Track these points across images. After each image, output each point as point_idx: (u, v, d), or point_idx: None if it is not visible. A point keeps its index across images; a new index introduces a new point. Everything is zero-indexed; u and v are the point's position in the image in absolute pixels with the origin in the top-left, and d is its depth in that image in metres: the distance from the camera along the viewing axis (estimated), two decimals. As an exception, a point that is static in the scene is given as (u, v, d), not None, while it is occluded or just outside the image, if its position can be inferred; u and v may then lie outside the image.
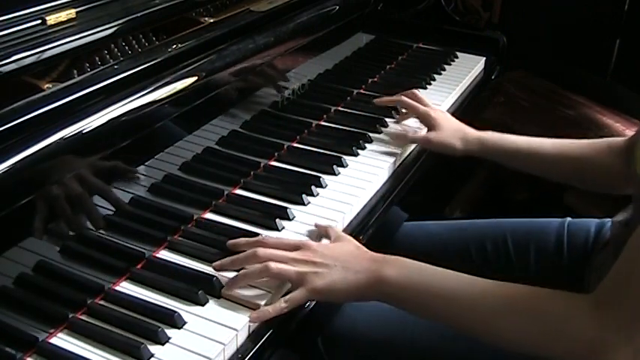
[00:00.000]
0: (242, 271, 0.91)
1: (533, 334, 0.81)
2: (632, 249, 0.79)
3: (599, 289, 0.80)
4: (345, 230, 1.08)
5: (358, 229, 1.10)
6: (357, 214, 1.13)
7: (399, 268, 0.90)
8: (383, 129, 1.36)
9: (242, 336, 0.86)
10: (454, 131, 1.27)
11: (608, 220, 1.16)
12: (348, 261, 0.91)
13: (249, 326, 0.87)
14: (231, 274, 0.92)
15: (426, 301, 0.88)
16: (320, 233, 1.02)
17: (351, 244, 0.97)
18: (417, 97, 1.35)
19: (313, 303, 0.94)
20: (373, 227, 1.12)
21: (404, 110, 1.38)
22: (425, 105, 1.33)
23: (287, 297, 0.88)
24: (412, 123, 1.38)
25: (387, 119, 1.39)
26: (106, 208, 0.92)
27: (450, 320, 0.88)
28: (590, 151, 1.16)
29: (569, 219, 1.22)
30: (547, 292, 0.83)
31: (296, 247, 0.93)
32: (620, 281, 0.78)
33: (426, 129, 1.31)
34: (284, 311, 0.88)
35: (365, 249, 0.95)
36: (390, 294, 0.89)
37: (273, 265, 0.89)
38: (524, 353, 0.83)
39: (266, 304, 0.89)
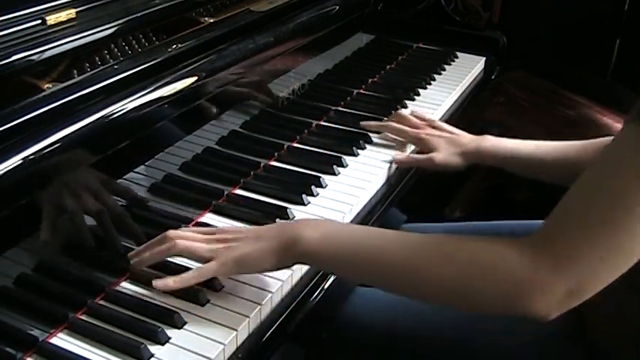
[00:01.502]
0: (149, 247, 0.90)
1: (467, 278, 0.78)
2: (571, 192, 0.77)
3: (536, 232, 0.78)
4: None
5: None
6: (357, 215, 1.13)
7: (316, 224, 0.89)
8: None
9: (242, 336, 0.86)
10: (450, 148, 1.24)
11: None
12: (261, 231, 0.90)
13: (249, 325, 0.87)
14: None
15: (349, 257, 0.86)
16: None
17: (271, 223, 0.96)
18: (404, 120, 1.32)
19: (318, 298, 0.94)
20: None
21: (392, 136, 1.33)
22: (413, 126, 1.30)
23: (196, 268, 0.88)
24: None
25: (387, 119, 1.39)
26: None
27: (376, 276, 0.86)
28: (588, 153, 1.15)
29: None
30: (478, 237, 0.81)
31: (210, 232, 0.92)
32: (557, 220, 0.77)
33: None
34: (190, 282, 0.87)
35: (281, 222, 0.95)
36: (309, 253, 0.86)
37: (180, 241, 0.88)
38: (453, 305, 0.83)
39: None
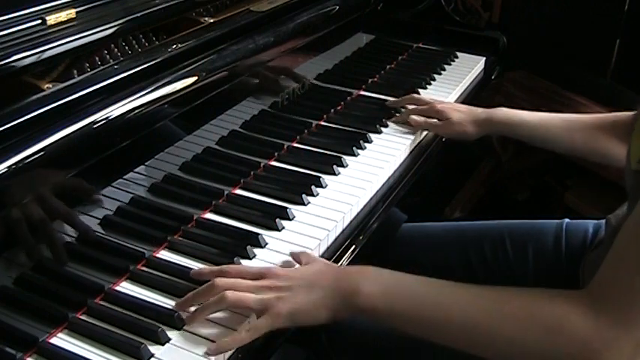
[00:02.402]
0: (196, 297, 0.86)
1: (529, 338, 0.77)
2: (622, 240, 0.77)
3: (593, 284, 0.77)
4: (344, 230, 1.09)
5: (358, 229, 1.10)
6: (357, 215, 1.13)
7: (375, 278, 0.85)
8: (383, 129, 1.36)
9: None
10: (464, 117, 1.32)
11: (602, 222, 1.16)
12: (313, 280, 0.85)
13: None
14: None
15: (410, 313, 0.83)
16: (294, 258, 0.96)
17: (320, 262, 0.91)
18: (419, 101, 1.40)
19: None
20: (372, 228, 1.12)
21: (406, 107, 1.41)
22: (426, 103, 1.39)
23: (249, 325, 0.83)
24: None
25: (387, 119, 1.39)
26: (105, 209, 0.92)
27: (436, 332, 0.83)
28: (596, 125, 1.20)
29: (567, 220, 1.22)
30: (540, 293, 0.80)
31: (259, 274, 0.87)
32: (611, 274, 0.76)
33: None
34: (245, 342, 0.82)
35: (335, 265, 0.89)
36: (368, 307, 0.83)
37: (230, 293, 0.83)
38: None
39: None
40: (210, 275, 0.89)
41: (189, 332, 0.84)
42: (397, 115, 1.40)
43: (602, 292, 0.76)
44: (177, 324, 0.85)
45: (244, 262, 0.96)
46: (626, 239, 0.76)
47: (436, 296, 0.84)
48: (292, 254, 0.96)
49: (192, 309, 0.87)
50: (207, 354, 0.81)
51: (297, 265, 0.94)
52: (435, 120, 1.35)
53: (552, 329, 0.77)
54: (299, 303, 0.83)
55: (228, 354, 0.83)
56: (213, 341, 0.83)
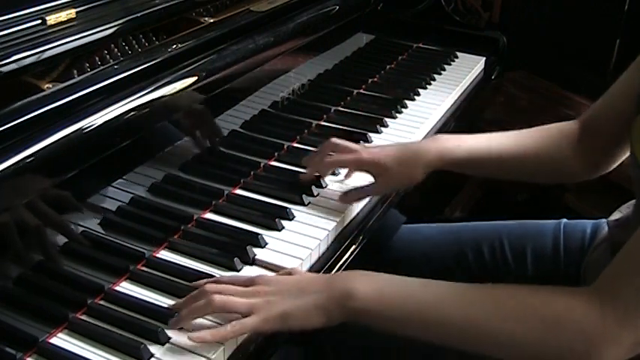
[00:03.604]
0: (186, 304, 0.85)
1: (531, 333, 0.78)
2: (635, 242, 0.77)
3: (599, 282, 0.78)
4: (344, 231, 1.09)
5: (357, 230, 1.10)
6: (357, 215, 1.13)
7: (369, 281, 0.84)
8: (383, 129, 1.36)
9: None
10: (407, 164, 1.09)
11: (603, 221, 1.16)
12: (304, 285, 0.84)
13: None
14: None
15: (407, 316, 0.82)
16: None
17: (310, 274, 0.90)
18: (339, 147, 1.12)
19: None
20: (371, 229, 1.12)
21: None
22: (351, 151, 1.11)
23: (235, 321, 0.81)
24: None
25: (387, 119, 1.39)
26: (105, 209, 0.92)
27: (435, 333, 0.82)
28: (545, 141, 1.11)
29: (564, 220, 1.22)
30: (541, 289, 0.81)
31: (249, 281, 0.86)
32: (621, 273, 0.77)
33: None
34: (228, 337, 0.81)
35: (326, 275, 0.88)
36: (361, 310, 0.82)
37: (217, 297, 0.82)
38: (517, 358, 0.80)
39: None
40: (202, 285, 0.88)
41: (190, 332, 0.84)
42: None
43: (610, 289, 0.76)
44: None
45: (244, 263, 0.96)
46: (638, 239, 0.77)
47: (433, 297, 0.83)
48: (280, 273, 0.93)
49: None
50: (191, 338, 0.80)
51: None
52: (368, 180, 1.12)
53: (555, 323, 0.77)
54: (289, 307, 0.82)
55: (228, 353, 0.83)
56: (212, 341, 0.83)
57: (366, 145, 1.27)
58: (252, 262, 0.97)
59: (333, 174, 1.19)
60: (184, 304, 0.86)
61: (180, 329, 0.84)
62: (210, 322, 0.85)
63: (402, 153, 1.10)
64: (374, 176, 1.11)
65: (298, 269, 0.94)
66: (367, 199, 1.14)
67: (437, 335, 0.83)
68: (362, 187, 1.12)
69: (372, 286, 0.83)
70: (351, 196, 1.11)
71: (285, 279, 0.87)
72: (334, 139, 1.13)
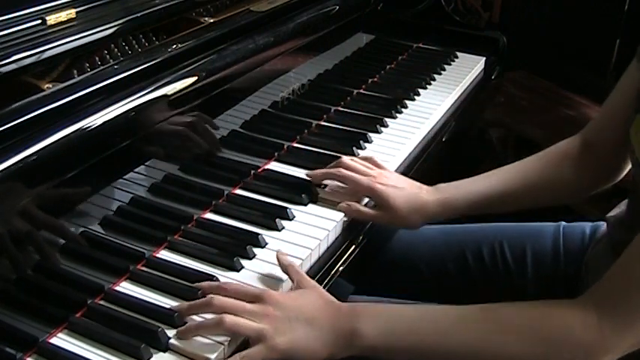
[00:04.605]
0: (196, 323, 0.84)
1: (533, 353, 0.80)
2: (631, 253, 0.79)
3: (596, 292, 0.80)
4: (344, 231, 1.09)
5: (357, 230, 1.10)
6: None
7: (372, 317, 0.85)
8: (383, 129, 1.36)
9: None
10: (411, 207, 1.09)
11: (602, 223, 1.16)
12: (311, 315, 0.84)
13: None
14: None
15: (411, 349, 0.84)
16: (281, 267, 0.94)
17: (315, 293, 0.89)
18: (354, 168, 1.12)
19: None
20: (371, 230, 1.12)
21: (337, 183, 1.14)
22: (366, 175, 1.11)
23: (244, 352, 0.81)
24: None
25: (387, 119, 1.39)
26: (105, 209, 0.92)
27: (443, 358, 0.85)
28: (548, 169, 1.12)
29: (563, 223, 1.23)
30: (540, 307, 0.82)
31: (256, 296, 0.85)
32: (618, 281, 0.78)
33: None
34: None
35: (330, 298, 0.88)
36: (368, 348, 0.84)
37: (227, 318, 0.81)
38: None
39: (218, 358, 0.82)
40: (208, 290, 0.88)
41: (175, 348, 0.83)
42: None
43: (607, 300, 0.78)
44: (178, 324, 0.85)
45: (244, 263, 0.96)
46: (633, 249, 0.78)
47: (435, 328, 0.85)
48: (281, 265, 0.94)
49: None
50: None
51: (287, 284, 0.93)
52: (372, 212, 1.10)
53: (556, 340, 0.79)
54: (297, 339, 0.82)
55: (228, 353, 0.83)
56: (212, 341, 0.83)
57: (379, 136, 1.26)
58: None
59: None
60: (189, 310, 0.86)
61: (175, 346, 0.83)
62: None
63: (408, 196, 1.09)
64: (378, 206, 1.10)
65: (297, 269, 0.93)
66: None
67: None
68: (365, 210, 1.10)
69: (375, 323, 0.85)
70: (352, 213, 1.09)
71: (293, 302, 0.86)
72: (346, 161, 1.13)
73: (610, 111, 1.07)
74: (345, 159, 1.14)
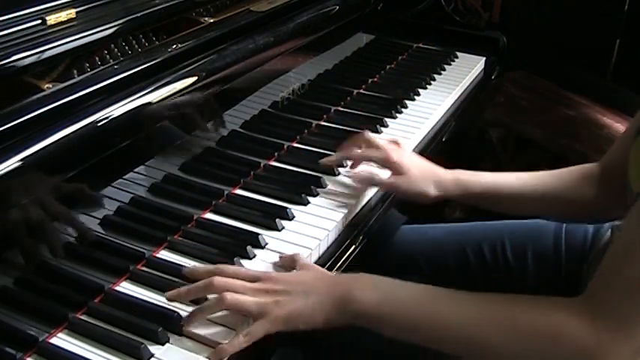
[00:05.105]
0: (198, 307, 0.85)
1: (527, 348, 0.79)
2: (619, 247, 0.78)
3: (589, 294, 0.79)
4: (344, 231, 1.09)
5: (357, 230, 1.10)
6: (356, 215, 1.13)
7: (370, 285, 0.86)
8: (383, 129, 1.36)
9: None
10: (425, 174, 1.12)
11: (605, 224, 1.16)
12: (310, 285, 0.86)
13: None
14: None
15: (404, 322, 0.84)
16: (284, 265, 0.96)
17: (315, 270, 0.92)
18: (369, 142, 1.16)
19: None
20: (372, 229, 1.12)
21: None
22: (380, 148, 1.15)
23: (246, 330, 0.82)
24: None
25: (387, 119, 1.39)
26: (105, 209, 0.92)
27: (431, 341, 0.85)
28: (565, 182, 1.13)
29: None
30: (538, 303, 0.82)
31: (256, 278, 0.87)
32: (609, 281, 0.77)
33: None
34: (243, 346, 0.81)
35: (330, 273, 0.90)
36: (363, 314, 0.84)
37: (229, 295, 0.83)
38: None
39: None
40: (205, 274, 0.89)
41: (188, 335, 0.84)
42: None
43: (600, 301, 0.77)
44: (177, 323, 0.85)
45: (244, 263, 0.96)
46: (620, 249, 0.78)
47: (431, 307, 0.84)
48: (283, 258, 0.96)
49: (190, 309, 0.86)
50: (208, 358, 0.81)
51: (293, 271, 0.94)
52: (388, 175, 1.14)
53: (551, 338, 0.78)
54: (297, 308, 0.84)
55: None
56: (212, 340, 0.83)
57: (379, 136, 1.28)
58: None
59: (333, 174, 1.19)
60: (189, 293, 0.87)
61: (175, 346, 0.83)
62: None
63: (424, 165, 1.14)
64: (393, 172, 1.14)
65: (299, 258, 0.95)
66: (367, 199, 1.14)
67: (432, 343, 0.85)
68: (378, 177, 1.15)
69: (372, 291, 0.85)
70: (364, 180, 1.15)
71: (292, 277, 0.89)
72: (368, 135, 1.18)
73: (624, 143, 1.07)
74: (359, 137, 1.18)
